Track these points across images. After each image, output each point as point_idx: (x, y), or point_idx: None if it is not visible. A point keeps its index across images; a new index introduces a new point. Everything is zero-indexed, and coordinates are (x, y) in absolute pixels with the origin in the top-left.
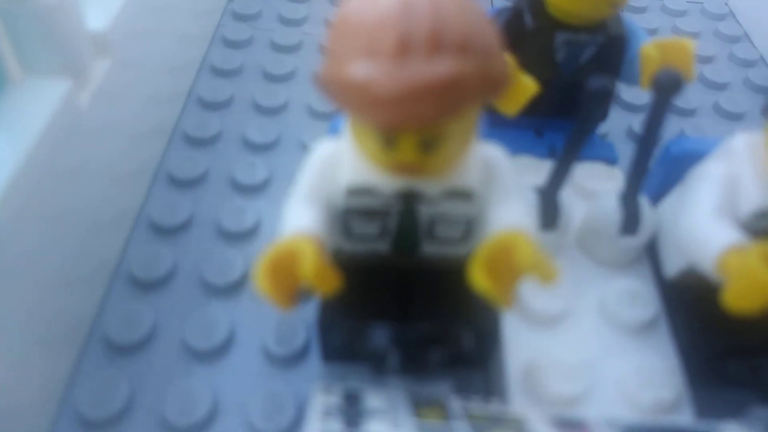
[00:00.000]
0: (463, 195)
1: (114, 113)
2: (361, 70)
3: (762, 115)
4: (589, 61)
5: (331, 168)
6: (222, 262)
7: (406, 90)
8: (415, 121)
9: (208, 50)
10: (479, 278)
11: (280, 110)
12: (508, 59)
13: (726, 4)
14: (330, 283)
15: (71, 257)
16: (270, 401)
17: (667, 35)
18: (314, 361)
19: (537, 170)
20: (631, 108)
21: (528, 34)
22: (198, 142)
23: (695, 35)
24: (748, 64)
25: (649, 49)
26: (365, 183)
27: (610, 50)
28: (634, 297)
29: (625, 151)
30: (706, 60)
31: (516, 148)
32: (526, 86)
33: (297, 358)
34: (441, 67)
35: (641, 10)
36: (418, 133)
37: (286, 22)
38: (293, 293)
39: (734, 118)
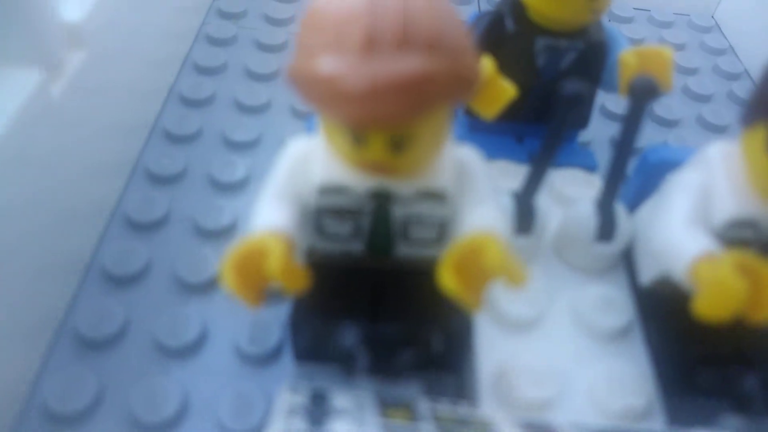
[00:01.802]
0: (436, 196)
1: (91, 106)
2: (327, 64)
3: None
4: (569, 67)
5: (304, 166)
6: (197, 259)
7: (373, 85)
8: (382, 118)
9: (191, 47)
10: (447, 279)
11: (262, 109)
12: (486, 62)
13: (712, 17)
14: (298, 281)
15: (44, 249)
16: (240, 400)
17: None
18: (287, 362)
19: (515, 175)
20: (614, 117)
21: (508, 38)
22: (178, 139)
23: (681, 47)
24: (732, 77)
25: (628, 56)
26: (337, 181)
27: (590, 56)
28: (609, 304)
29: (607, 159)
30: (691, 72)
31: (496, 153)
32: (505, 90)
33: (270, 357)
34: (408, 64)
35: (628, 20)
36: (387, 131)
37: (271, 21)
38: (260, 291)
39: (718, 130)
